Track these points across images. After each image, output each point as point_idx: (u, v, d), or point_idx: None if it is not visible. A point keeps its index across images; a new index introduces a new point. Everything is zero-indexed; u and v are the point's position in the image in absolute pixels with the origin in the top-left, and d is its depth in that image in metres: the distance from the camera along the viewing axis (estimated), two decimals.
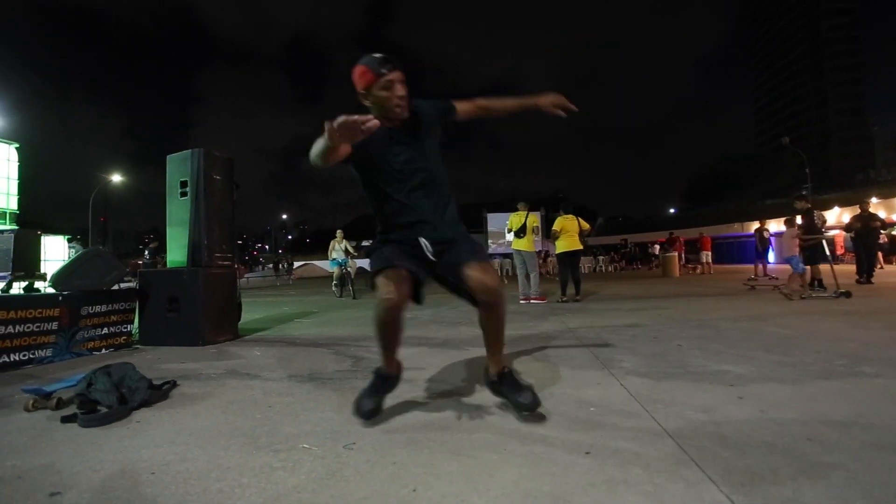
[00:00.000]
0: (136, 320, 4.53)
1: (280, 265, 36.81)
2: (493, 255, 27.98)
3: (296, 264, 33.60)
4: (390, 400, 2.25)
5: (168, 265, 4.76)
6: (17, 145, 6.19)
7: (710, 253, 17.18)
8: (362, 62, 2.00)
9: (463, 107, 2.26)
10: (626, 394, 2.32)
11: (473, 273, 1.95)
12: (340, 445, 1.77)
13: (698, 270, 17.24)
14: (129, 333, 4.42)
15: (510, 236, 8.01)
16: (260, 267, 52.62)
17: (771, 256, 12.83)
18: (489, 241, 32.84)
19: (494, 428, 1.91)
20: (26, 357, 3.54)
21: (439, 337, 4.32)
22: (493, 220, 33.60)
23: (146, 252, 14.02)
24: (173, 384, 2.73)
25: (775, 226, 17.94)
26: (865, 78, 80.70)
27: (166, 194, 4.69)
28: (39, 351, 3.64)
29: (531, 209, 8.15)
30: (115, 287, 4.51)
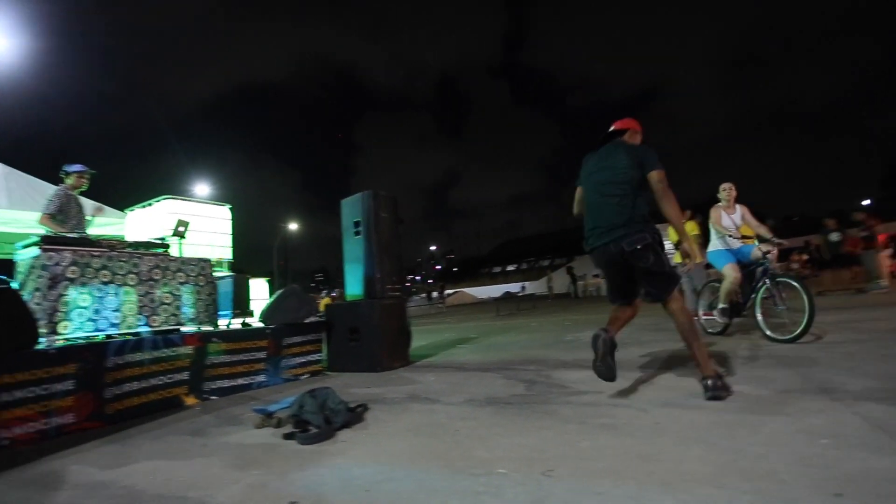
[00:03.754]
0: (325, 349, 5.08)
1: (432, 294, 38.72)
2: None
3: (447, 292, 35.09)
4: (576, 424, 2.16)
5: (346, 298, 5.29)
6: (231, 206, 7.49)
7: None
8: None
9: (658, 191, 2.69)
10: (864, 423, 1.91)
11: None
12: (538, 472, 1.73)
13: None
14: (320, 361, 4.97)
15: (669, 246, 7.36)
16: (414, 297, 56.04)
17: None
18: None
19: (706, 459, 1.71)
20: (248, 382, 4.18)
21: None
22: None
23: None
24: (365, 407, 2.97)
25: None
26: None
27: (342, 234, 5.26)
28: (256, 377, 4.26)
29: (692, 217, 7.42)
30: (307, 320, 5.14)
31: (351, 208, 5.20)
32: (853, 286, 9.58)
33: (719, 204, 5.09)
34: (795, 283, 4.15)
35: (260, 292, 7.34)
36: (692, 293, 7.13)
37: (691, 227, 7.20)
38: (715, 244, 5.00)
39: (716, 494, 1.44)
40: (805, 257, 18.74)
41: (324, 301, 14.72)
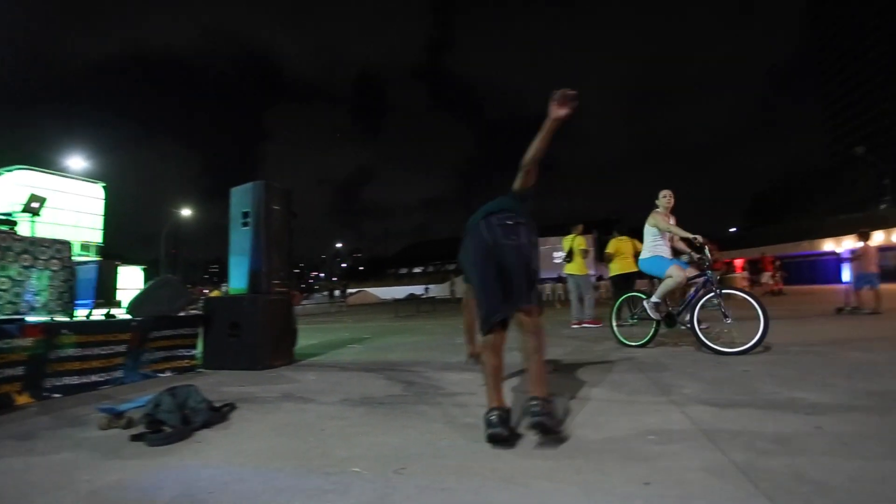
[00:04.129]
0: (200, 345, 4.76)
1: (334, 292, 37.80)
2: (544, 280, 27.70)
3: (350, 291, 34.46)
4: (441, 424, 2.23)
5: (229, 292, 5.00)
6: (104, 185, 6.75)
7: (771, 273, 16.30)
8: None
9: (521, 182, 2.42)
10: (688, 422, 2.18)
11: None
12: (391, 470, 1.76)
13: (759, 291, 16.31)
14: (193, 357, 4.64)
15: (561, 259, 7.89)
16: (315, 294, 54.23)
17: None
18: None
19: (548, 456, 1.84)
20: (103, 378, 3.79)
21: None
22: (543, 244, 33.48)
23: None
24: (232, 406, 2.82)
25: (850, 242, 16.73)
26: None
27: (229, 225, 4.96)
28: (113, 372, 3.88)
29: (585, 232, 7.99)
30: (183, 313, 4.78)
31: (240, 198, 4.93)
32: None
33: (658, 210, 4.93)
34: (744, 295, 4.26)
35: (132, 281, 6.68)
36: (577, 301, 7.68)
37: (580, 242, 7.74)
38: (655, 250, 4.80)
39: (548, 487, 1.56)
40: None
41: (213, 294, 13.79)
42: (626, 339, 4.98)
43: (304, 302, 35.43)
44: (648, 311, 4.71)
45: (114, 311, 5.03)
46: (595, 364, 3.89)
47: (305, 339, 7.11)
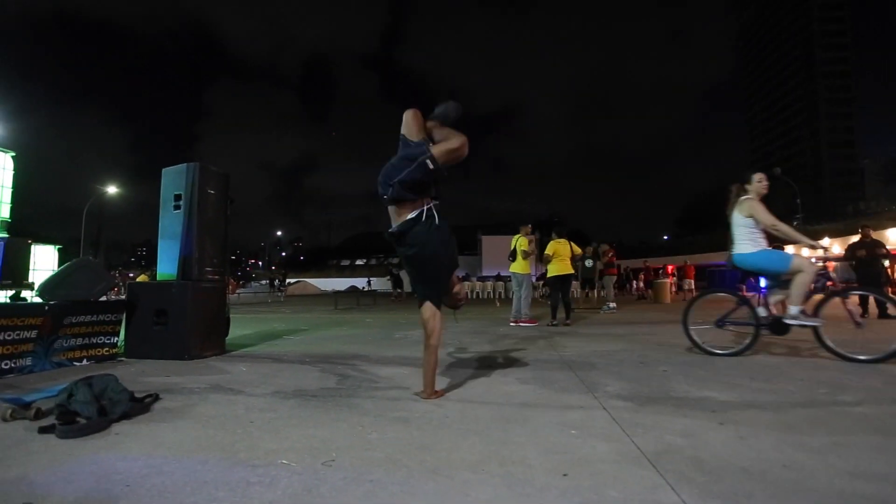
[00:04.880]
0: (123, 332, 4.50)
1: (274, 282, 36.64)
2: (485, 277, 28.26)
3: (289, 281, 33.49)
4: (373, 417, 2.25)
5: (157, 278, 4.75)
6: (14, 154, 6.20)
7: (693, 281, 17.62)
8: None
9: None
10: (608, 417, 2.32)
11: None
12: (319, 462, 1.77)
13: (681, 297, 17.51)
14: (115, 345, 4.39)
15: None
16: (252, 283, 52.28)
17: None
18: (482, 262, 33.13)
19: (474, 448, 1.91)
20: (8, 366, 3.51)
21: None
22: (488, 243, 33.99)
23: None
24: (155, 397, 2.71)
25: None
26: (856, 112, 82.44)
27: (160, 207, 4.71)
28: (21, 360, 3.60)
29: (532, 232, 8.23)
30: (104, 298, 4.50)
31: (173, 179, 4.68)
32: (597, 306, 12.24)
33: (749, 197, 4.16)
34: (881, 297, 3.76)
35: (46, 262, 6.19)
36: (517, 300, 7.90)
37: (523, 242, 7.95)
38: (758, 242, 4.08)
39: (471, 478, 1.62)
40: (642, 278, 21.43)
41: (140, 278, 12.99)
42: (709, 345, 4.21)
43: (240, 291, 34.13)
44: (794, 320, 3.90)
45: (24, 293, 4.65)
46: (528, 363, 4.03)
47: (239, 329, 6.87)
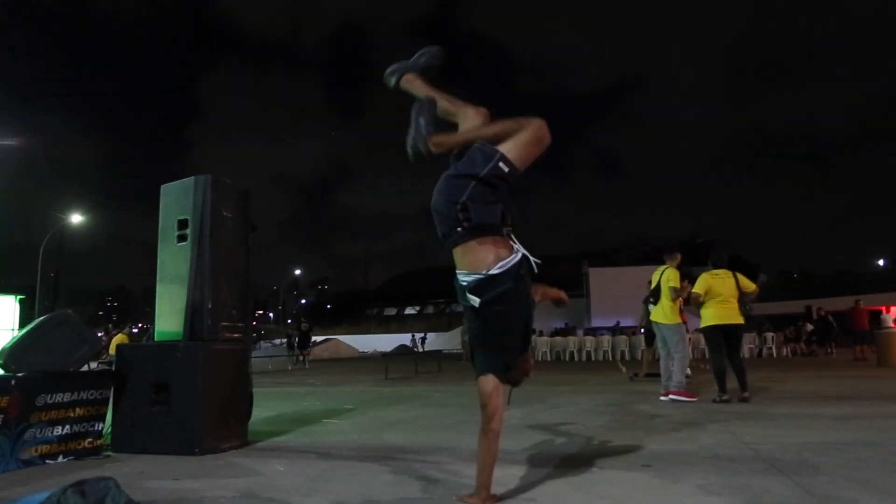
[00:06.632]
0: (109, 416, 4.63)
1: (294, 340, 37.60)
2: (596, 329, 27.40)
3: (315, 340, 34.27)
4: None
5: (155, 337, 4.91)
6: None
7: None
8: None
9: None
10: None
11: None
12: None
13: None
14: (100, 434, 4.51)
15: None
16: (262, 343, 54.02)
17: None
18: (591, 306, 32.37)
19: None
20: None
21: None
22: (597, 277, 33.12)
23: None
24: None
25: None
26: None
27: (158, 238, 4.90)
28: None
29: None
30: (86, 367, 4.68)
31: (175, 199, 4.88)
32: None
33: None
34: None
35: (4, 318, 6.60)
36: (666, 362, 7.61)
37: (669, 276, 7.69)
38: None
39: None
40: (809, 328, 20.34)
41: (116, 340, 13.72)
42: None
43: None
44: None
45: None
46: (705, 460, 3.77)
47: (259, 409, 6.98)
